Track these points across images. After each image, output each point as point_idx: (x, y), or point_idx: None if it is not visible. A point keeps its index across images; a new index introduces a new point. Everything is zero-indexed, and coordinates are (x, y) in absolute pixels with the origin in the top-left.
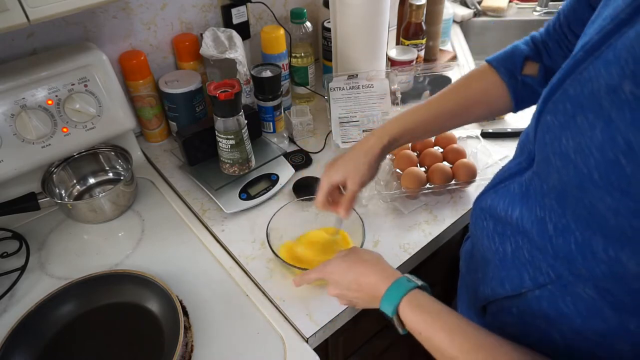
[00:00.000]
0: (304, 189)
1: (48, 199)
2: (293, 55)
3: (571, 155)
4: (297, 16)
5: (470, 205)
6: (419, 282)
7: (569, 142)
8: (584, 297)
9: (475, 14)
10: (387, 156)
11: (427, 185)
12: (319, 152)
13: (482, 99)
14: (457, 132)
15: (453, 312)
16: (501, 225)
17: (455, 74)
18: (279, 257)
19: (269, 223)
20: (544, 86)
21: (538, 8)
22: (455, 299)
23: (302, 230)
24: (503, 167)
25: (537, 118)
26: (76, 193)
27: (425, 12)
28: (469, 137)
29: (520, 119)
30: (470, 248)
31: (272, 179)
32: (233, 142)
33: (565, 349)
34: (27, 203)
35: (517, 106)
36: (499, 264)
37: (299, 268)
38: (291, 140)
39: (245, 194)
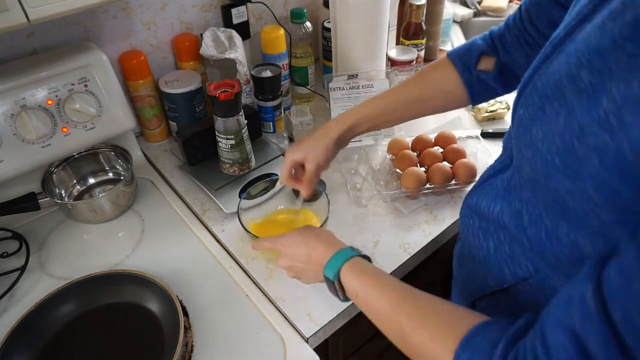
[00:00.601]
0: None
1: (48, 199)
2: (293, 55)
3: (539, 145)
4: (297, 16)
5: None
6: (362, 252)
7: (538, 132)
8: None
9: (475, 14)
10: (387, 156)
11: (427, 185)
12: None
13: (440, 90)
14: (457, 132)
15: (390, 276)
16: (485, 221)
17: None
18: (246, 230)
19: (240, 201)
20: (498, 81)
21: None
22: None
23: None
24: (490, 165)
25: (513, 114)
26: (76, 193)
27: (425, 12)
28: (469, 137)
29: None
30: (461, 247)
31: (272, 179)
32: (233, 142)
33: None
34: (27, 203)
35: (474, 100)
36: (483, 260)
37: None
38: (291, 140)
39: (246, 194)
